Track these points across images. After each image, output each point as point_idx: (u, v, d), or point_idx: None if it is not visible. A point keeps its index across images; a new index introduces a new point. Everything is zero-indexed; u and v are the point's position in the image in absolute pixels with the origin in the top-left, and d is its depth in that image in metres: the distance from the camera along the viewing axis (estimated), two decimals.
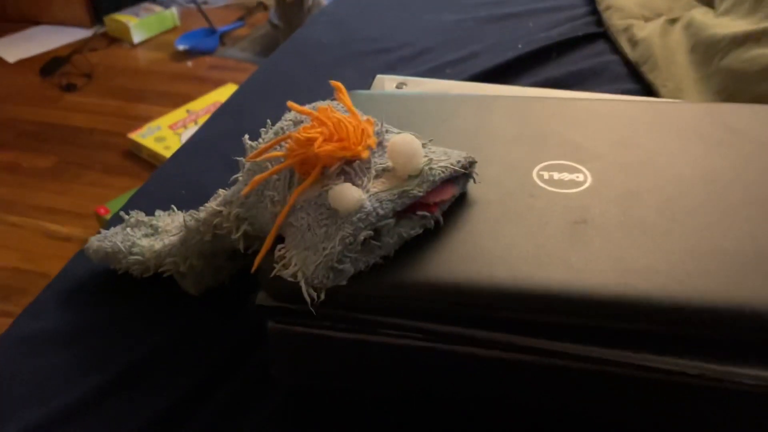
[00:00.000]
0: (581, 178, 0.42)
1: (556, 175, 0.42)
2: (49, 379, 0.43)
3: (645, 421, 0.38)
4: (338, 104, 0.40)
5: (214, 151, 0.64)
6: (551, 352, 0.35)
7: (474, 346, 0.36)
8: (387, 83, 0.57)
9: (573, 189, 0.41)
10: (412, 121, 0.47)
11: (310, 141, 0.36)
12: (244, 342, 0.46)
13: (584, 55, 0.77)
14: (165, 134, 1.87)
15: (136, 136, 1.86)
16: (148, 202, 0.52)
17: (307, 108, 0.38)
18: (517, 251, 0.37)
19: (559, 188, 0.41)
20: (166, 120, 1.92)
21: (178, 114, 1.94)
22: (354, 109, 0.38)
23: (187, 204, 0.52)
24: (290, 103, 0.38)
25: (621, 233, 0.38)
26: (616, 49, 0.78)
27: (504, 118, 0.48)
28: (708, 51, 0.68)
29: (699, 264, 0.36)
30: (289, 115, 0.41)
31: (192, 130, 1.86)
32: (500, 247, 0.37)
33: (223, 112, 0.71)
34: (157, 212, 0.50)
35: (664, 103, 0.54)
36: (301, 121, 0.40)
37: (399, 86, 0.57)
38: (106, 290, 0.49)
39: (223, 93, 2.01)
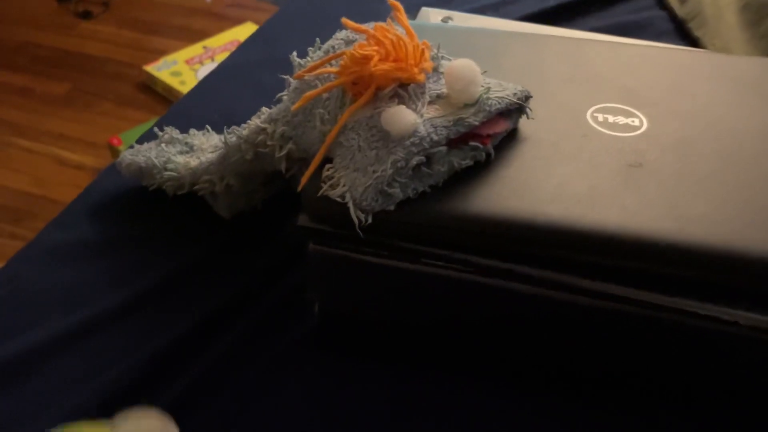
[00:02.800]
0: (636, 122, 0.41)
1: (610, 118, 0.41)
2: (76, 290, 0.42)
3: (686, 371, 0.37)
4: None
5: (244, 78, 0.62)
6: (599, 293, 0.34)
7: (519, 282, 0.35)
8: (432, 16, 0.55)
9: (628, 133, 0.40)
10: (461, 55, 0.46)
11: (366, 59, 0.35)
12: (275, 267, 0.45)
13: (629, 8, 0.75)
14: (181, 69, 1.84)
15: (151, 68, 1.83)
16: (179, 122, 0.51)
17: (363, 26, 0.36)
18: (570, 190, 0.36)
19: (613, 131, 0.40)
20: (183, 55, 1.88)
21: (195, 50, 1.91)
22: (412, 30, 0.37)
23: (218, 128, 0.50)
24: (345, 20, 0.37)
25: (677, 180, 0.37)
26: (662, 3, 0.75)
27: (556, 58, 0.46)
28: (760, 11, 0.66)
29: (756, 216, 0.35)
30: (341, 34, 0.39)
31: (209, 66, 1.83)
32: (552, 186, 0.36)
33: (254, 39, 0.69)
34: (192, 130, 0.49)
35: (720, 55, 0.52)
36: (354, 41, 0.38)
37: (444, 20, 0.55)
38: (137, 206, 0.48)
39: (242, 31, 1.97)
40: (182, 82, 1.77)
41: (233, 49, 1.97)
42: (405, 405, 0.38)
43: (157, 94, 1.82)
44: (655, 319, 0.34)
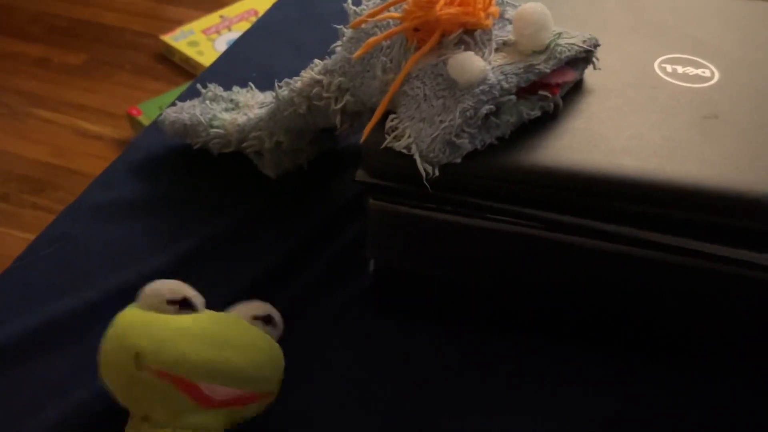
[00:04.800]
0: (707, 73, 0.39)
1: (680, 69, 0.39)
2: (124, 248, 0.41)
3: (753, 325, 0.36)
4: None
5: (282, 36, 0.60)
6: (681, 249, 0.33)
7: (590, 239, 0.34)
8: None
9: (700, 84, 0.38)
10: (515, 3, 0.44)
11: (431, 3, 0.33)
12: (324, 226, 0.43)
13: None
14: (198, 39, 1.81)
15: (168, 38, 1.81)
16: (220, 81, 0.49)
17: None
18: (644, 142, 0.34)
19: (684, 82, 0.38)
20: (200, 24, 1.86)
21: (212, 19, 1.88)
22: None
23: (258, 86, 0.49)
24: None
25: (756, 131, 0.35)
26: None
27: (617, 7, 0.44)
28: None
29: None
30: None
31: (226, 36, 1.81)
32: (626, 137, 0.34)
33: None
34: (235, 88, 0.47)
35: None
36: None
37: None
38: (181, 164, 0.47)
39: (258, 0, 1.94)
40: (200, 52, 1.75)
41: (251, 18, 1.94)
42: (459, 365, 0.37)
43: (174, 64, 1.80)
44: (740, 277, 0.33)
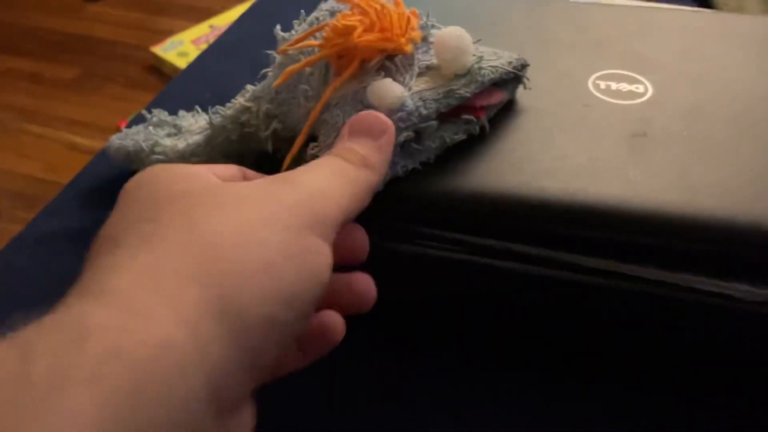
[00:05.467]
0: (641, 89, 0.38)
1: (613, 85, 0.39)
2: (68, 278, 0.41)
3: (691, 346, 0.35)
4: None
5: (241, 53, 0.61)
6: (603, 271, 0.32)
7: (516, 262, 0.34)
8: None
9: (632, 100, 0.38)
10: (456, 22, 0.44)
11: (349, 30, 0.33)
12: None
13: None
14: (188, 49, 1.82)
15: (158, 50, 1.82)
16: (172, 103, 0.49)
17: None
18: (570, 163, 0.34)
19: (616, 99, 0.38)
20: (189, 35, 1.87)
21: (201, 29, 1.89)
22: None
23: (211, 106, 0.49)
24: None
25: (684, 148, 0.35)
26: None
27: (557, 23, 0.44)
28: None
29: None
30: (326, 5, 0.37)
31: None
32: (551, 158, 0.34)
33: (250, 14, 0.67)
34: (181, 112, 0.47)
35: (730, 15, 0.49)
36: (338, 11, 0.36)
37: None
38: None
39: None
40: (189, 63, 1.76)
41: None
42: (448, 388, 0.37)
43: (165, 75, 1.81)
44: (660, 297, 0.32)
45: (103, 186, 0.48)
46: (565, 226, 0.32)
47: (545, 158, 0.34)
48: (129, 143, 0.44)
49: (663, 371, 0.36)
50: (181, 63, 1.76)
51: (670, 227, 0.31)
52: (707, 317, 0.33)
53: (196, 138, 0.42)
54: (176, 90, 0.57)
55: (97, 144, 1.61)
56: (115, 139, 0.46)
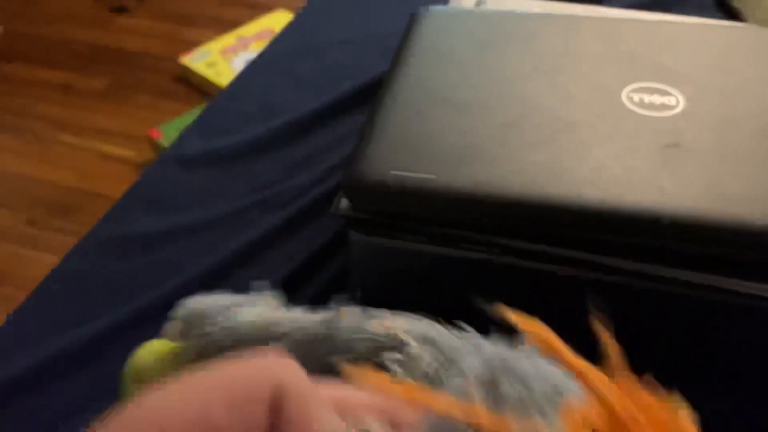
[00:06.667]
0: (673, 101, 0.40)
1: (646, 98, 0.41)
2: (126, 283, 0.44)
3: (721, 348, 0.37)
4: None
5: (281, 69, 0.63)
6: (636, 273, 0.34)
7: (554, 264, 0.36)
8: (465, 1, 0.55)
9: (665, 112, 0.40)
10: (494, 40, 0.46)
11: None
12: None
13: None
14: (216, 60, 1.86)
15: (187, 60, 1.86)
16: (219, 117, 0.52)
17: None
18: (606, 173, 0.36)
19: (649, 111, 0.40)
20: (217, 45, 1.90)
21: (229, 39, 1.93)
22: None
23: (257, 120, 0.51)
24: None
25: (716, 159, 0.36)
26: None
27: (591, 38, 0.46)
28: None
29: None
30: (543, 367, 0.26)
31: (243, 56, 1.85)
32: (588, 168, 0.36)
33: (290, 29, 0.70)
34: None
35: (759, 28, 0.51)
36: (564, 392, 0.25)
37: (478, 4, 0.55)
38: (183, 199, 0.49)
39: (274, 19, 1.99)
40: (218, 73, 1.80)
41: (267, 37, 1.98)
42: None
43: (193, 85, 1.85)
44: (694, 298, 0.34)
45: (159, 194, 0.50)
46: (601, 232, 0.34)
47: (583, 168, 0.36)
48: None
49: (699, 371, 0.38)
50: (210, 73, 1.80)
51: (701, 234, 0.33)
52: (737, 317, 0.35)
53: None
54: (223, 103, 0.59)
55: (128, 153, 1.65)
56: None
